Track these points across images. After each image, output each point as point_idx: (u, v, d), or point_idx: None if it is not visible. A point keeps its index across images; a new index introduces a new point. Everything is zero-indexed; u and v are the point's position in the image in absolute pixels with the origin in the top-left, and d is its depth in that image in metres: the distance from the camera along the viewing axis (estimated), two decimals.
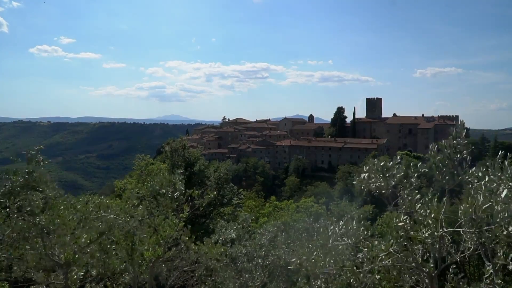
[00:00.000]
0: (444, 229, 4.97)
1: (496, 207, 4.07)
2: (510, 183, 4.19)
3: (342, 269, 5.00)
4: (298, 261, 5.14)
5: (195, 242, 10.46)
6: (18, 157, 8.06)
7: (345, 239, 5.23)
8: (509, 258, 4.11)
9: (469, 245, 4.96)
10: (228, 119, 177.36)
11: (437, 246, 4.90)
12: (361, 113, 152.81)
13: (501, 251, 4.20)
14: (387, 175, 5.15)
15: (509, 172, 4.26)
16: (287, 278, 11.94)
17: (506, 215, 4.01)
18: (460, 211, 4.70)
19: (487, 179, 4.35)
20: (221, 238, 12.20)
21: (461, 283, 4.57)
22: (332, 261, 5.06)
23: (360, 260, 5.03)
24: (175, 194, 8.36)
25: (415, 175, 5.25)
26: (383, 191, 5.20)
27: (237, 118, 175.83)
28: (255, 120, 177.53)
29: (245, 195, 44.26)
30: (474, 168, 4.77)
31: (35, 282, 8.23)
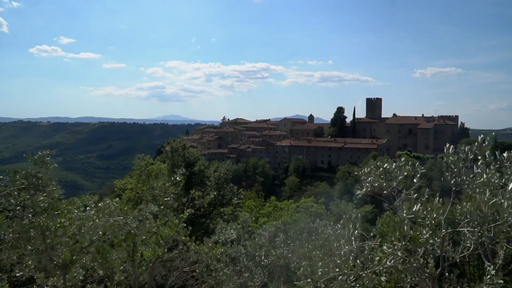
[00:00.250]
0: (444, 230, 4.96)
1: (503, 202, 4.02)
2: None
3: (344, 273, 4.97)
4: (300, 266, 5.11)
5: (195, 242, 10.46)
6: (21, 157, 8.04)
7: (346, 241, 5.22)
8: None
9: (469, 245, 4.95)
10: (228, 119, 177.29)
11: (439, 247, 4.89)
12: (361, 113, 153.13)
13: (501, 251, 4.20)
14: (389, 178, 5.14)
15: None
16: (287, 278, 11.93)
17: None
18: (459, 211, 4.69)
19: (490, 175, 4.32)
20: (221, 238, 12.19)
21: (461, 283, 4.56)
22: (334, 264, 5.04)
23: (362, 262, 5.01)
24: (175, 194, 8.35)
25: (417, 175, 5.25)
26: (384, 192, 5.20)
27: (237, 118, 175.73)
28: (255, 120, 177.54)
29: (245, 195, 44.21)
30: (475, 167, 4.75)
31: (35, 283, 8.21)
